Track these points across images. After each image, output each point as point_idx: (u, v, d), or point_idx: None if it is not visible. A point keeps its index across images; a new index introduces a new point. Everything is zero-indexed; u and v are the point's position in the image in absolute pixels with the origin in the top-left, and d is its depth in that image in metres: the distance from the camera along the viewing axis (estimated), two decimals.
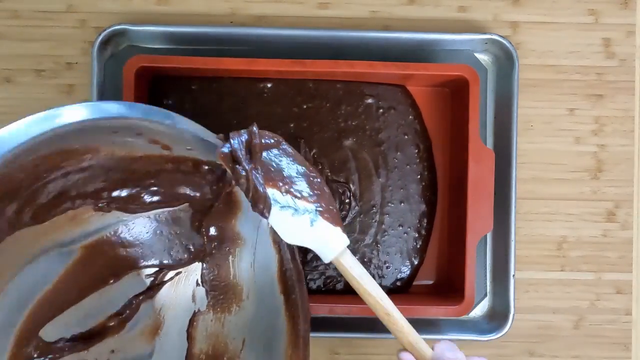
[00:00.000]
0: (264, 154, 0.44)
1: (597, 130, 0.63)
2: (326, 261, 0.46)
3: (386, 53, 0.60)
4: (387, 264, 0.60)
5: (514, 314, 0.59)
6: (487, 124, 0.61)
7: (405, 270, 0.61)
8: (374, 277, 0.58)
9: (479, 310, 0.61)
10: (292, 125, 0.60)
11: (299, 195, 0.44)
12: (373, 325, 0.60)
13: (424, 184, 0.61)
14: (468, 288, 0.56)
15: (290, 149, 0.45)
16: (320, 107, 0.60)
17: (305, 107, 0.60)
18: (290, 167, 0.44)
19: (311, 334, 0.59)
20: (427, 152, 0.61)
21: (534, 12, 0.62)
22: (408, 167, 0.61)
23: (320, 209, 0.44)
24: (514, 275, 0.60)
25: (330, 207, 0.45)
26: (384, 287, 0.58)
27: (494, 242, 0.61)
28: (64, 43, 0.61)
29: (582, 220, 0.62)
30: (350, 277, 0.46)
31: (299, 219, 0.44)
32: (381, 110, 0.60)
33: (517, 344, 0.62)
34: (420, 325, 0.60)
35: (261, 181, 0.43)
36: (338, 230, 0.45)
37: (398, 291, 0.60)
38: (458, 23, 0.62)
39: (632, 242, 0.62)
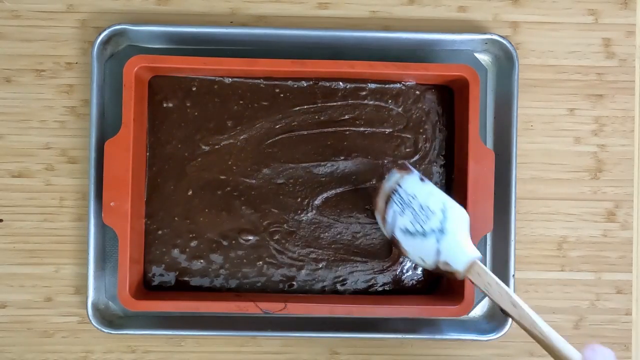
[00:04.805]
0: (394, 196, 0.51)
1: (597, 130, 0.63)
2: (459, 277, 0.49)
3: (386, 53, 0.60)
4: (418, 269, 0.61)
5: None
6: (487, 124, 0.61)
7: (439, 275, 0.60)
8: (407, 283, 0.60)
9: (479, 310, 0.61)
10: (294, 124, 0.60)
11: (424, 219, 0.49)
12: (373, 325, 0.60)
13: (449, 184, 0.60)
14: (468, 288, 0.56)
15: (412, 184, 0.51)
16: (329, 106, 0.60)
17: (311, 106, 0.60)
18: (414, 200, 0.50)
19: (311, 334, 0.60)
20: (450, 149, 0.61)
21: (534, 12, 0.62)
22: (435, 166, 0.60)
23: (445, 226, 0.49)
24: (514, 275, 0.60)
25: (457, 224, 0.49)
26: (417, 291, 0.60)
27: (494, 242, 0.61)
28: (64, 43, 0.61)
29: (582, 220, 0.62)
30: (481, 289, 0.48)
31: (427, 240, 0.49)
32: (402, 109, 0.60)
33: (517, 344, 0.62)
34: (421, 325, 0.60)
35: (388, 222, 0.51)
36: (463, 243, 0.49)
37: (426, 292, 0.60)
38: (458, 23, 0.62)
39: (632, 242, 0.62)
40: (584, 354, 0.43)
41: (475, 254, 0.48)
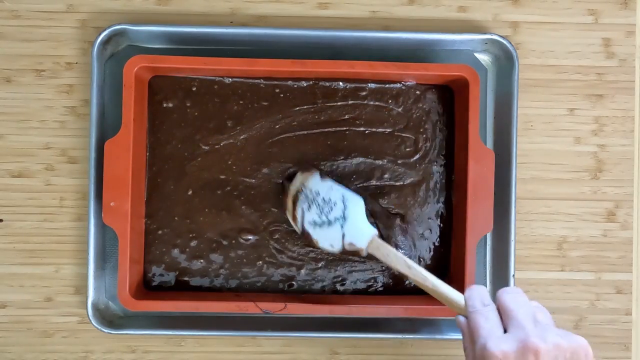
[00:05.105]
0: (300, 196, 0.56)
1: (597, 130, 0.63)
2: (363, 254, 0.55)
3: (386, 53, 0.60)
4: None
5: None
6: (487, 124, 0.61)
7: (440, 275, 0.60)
8: (407, 284, 0.60)
9: None
10: (294, 124, 0.60)
11: (328, 210, 0.55)
12: (373, 325, 0.60)
13: (449, 183, 0.60)
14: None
15: (313, 184, 0.56)
16: (329, 106, 0.60)
17: (312, 107, 0.60)
18: (318, 196, 0.56)
19: (311, 334, 0.60)
20: (450, 149, 0.61)
21: (534, 12, 0.62)
22: (435, 166, 0.60)
23: (346, 213, 0.55)
24: (514, 275, 0.60)
25: (356, 210, 0.55)
26: (417, 291, 0.58)
27: (494, 242, 0.61)
28: (64, 43, 0.61)
29: (582, 220, 0.62)
30: (382, 260, 0.54)
31: (333, 228, 0.55)
32: (402, 109, 0.60)
33: None
34: (421, 325, 0.60)
35: (299, 220, 0.56)
36: (362, 224, 0.55)
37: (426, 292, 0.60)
38: (458, 23, 0.62)
39: (632, 242, 0.62)
40: (464, 294, 0.48)
41: (372, 231, 0.54)
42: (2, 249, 0.61)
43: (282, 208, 0.58)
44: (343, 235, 0.54)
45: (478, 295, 0.47)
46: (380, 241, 0.54)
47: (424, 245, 0.60)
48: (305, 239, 0.56)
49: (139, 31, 0.60)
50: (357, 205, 0.55)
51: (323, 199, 0.55)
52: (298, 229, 0.56)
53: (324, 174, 0.57)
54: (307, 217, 0.55)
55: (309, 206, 0.55)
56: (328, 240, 0.55)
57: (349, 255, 0.58)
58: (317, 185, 0.56)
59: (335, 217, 0.54)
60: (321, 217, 0.55)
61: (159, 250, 0.59)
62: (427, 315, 0.59)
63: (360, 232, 0.54)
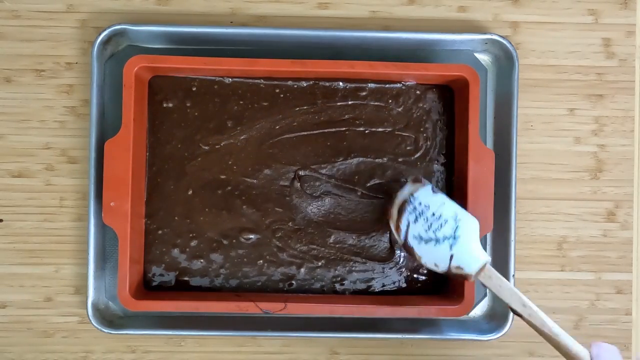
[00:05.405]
0: (408, 206, 0.53)
1: (597, 130, 0.63)
2: (470, 279, 0.51)
3: (386, 53, 0.60)
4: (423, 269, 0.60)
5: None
6: (487, 124, 0.61)
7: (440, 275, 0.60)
8: (414, 284, 0.60)
9: (479, 310, 0.61)
10: (295, 124, 0.60)
11: (437, 227, 0.52)
12: (373, 325, 0.60)
13: (450, 183, 0.60)
14: (468, 288, 0.56)
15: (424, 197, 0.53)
16: (330, 106, 0.60)
17: (312, 107, 0.60)
18: (427, 209, 0.52)
19: (311, 334, 0.60)
20: (450, 148, 0.61)
21: (534, 12, 0.62)
22: (436, 165, 0.60)
23: (458, 233, 0.51)
24: (514, 275, 0.60)
25: (469, 231, 0.51)
26: (417, 291, 0.60)
27: (494, 242, 0.61)
28: (64, 43, 0.61)
29: (582, 220, 0.62)
30: (493, 291, 0.51)
31: (441, 246, 0.51)
32: (402, 109, 0.60)
33: (517, 344, 0.62)
34: (421, 325, 0.60)
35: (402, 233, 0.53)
36: (474, 248, 0.51)
37: (426, 293, 0.60)
38: (458, 23, 0.62)
39: (632, 242, 0.62)
40: (591, 351, 0.44)
41: (486, 258, 0.51)
42: (2, 249, 0.61)
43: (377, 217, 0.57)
44: (451, 257, 0.51)
45: (609, 354, 0.43)
46: (493, 271, 0.50)
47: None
48: (407, 251, 0.54)
49: (139, 31, 0.60)
50: (470, 226, 0.52)
51: (433, 213, 0.52)
52: (400, 240, 0.54)
53: (436, 189, 0.54)
54: (412, 230, 0.52)
55: (416, 218, 0.52)
56: (433, 258, 0.51)
57: (454, 278, 0.54)
58: (428, 198, 0.52)
59: (445, 235, 0.51)
60: (428, 232, 0.51)
61: (159, 250, 0.59)
62: (427, 316, 0.59)
63: (471, 256, 0.51)
